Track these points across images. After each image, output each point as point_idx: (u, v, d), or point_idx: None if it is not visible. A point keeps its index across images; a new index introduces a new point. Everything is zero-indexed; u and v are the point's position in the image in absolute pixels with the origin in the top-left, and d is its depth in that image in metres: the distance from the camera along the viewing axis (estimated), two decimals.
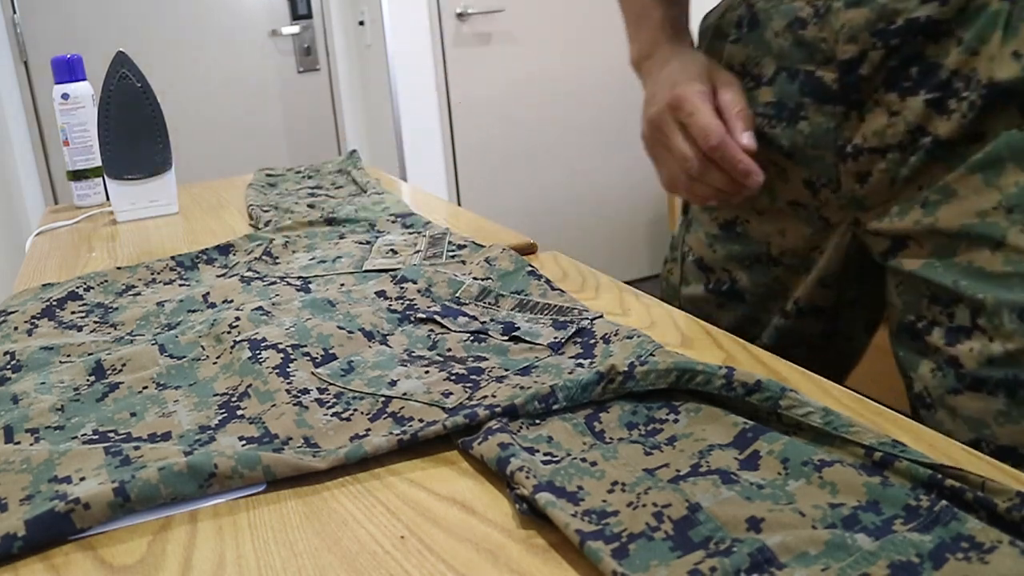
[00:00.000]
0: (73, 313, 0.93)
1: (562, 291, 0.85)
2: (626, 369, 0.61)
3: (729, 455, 0.54)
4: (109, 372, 0.76)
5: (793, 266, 0.97)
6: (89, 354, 0.81)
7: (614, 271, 3.76)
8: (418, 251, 1.02)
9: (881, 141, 0.81)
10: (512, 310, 0.82)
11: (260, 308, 0.85)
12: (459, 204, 3.59)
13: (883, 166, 0.82)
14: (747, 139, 0.84)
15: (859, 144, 0.83)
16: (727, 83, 0.87)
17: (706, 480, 0.51)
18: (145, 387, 0.73)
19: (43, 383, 0.74)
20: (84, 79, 1.61)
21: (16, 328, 0.88)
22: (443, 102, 3.53)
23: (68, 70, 1.59)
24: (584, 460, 0.54)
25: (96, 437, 0.64)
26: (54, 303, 0.94)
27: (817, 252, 0.94)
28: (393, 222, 1.18)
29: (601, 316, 0.77)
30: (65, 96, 1.59)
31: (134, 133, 1.43)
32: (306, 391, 0.68)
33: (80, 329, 0.89)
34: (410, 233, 1.11)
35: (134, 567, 0.51)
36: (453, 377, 0.69)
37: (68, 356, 0.81)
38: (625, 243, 3.93)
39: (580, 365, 0.69)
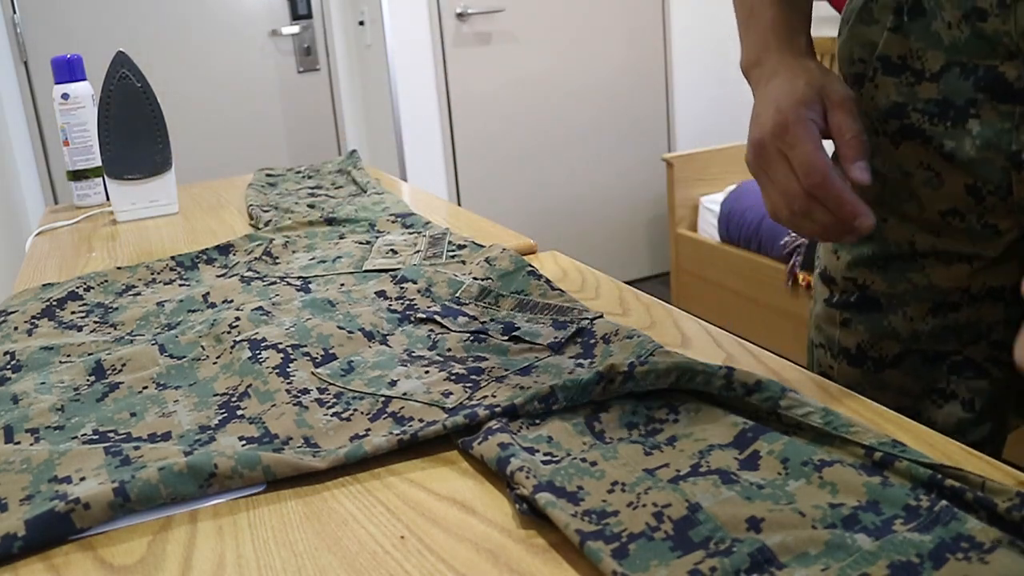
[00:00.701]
0: (73, 313, 0.93)
1: (562, 291, 0.85)
2: (626, 369, 0.61)
3: (729, 455, 0.54)
4: (109, 372, 0.76)
5: (950, 260, 0.82)
6: (89, 354, 0.81)
7: (614, 271, 3.76)
8: (418, 251, 1.02)
9: None
10: (512, 310, 0.82)
11: (260, 308, 0.85)
12: (459, 204, 3.59)
13: None
14: (858, 172, 0.73)
15: None
16: (840, 102, 0.76)
17: (706, 480, 0.51)
18: (145, 387, 0.73)
19: (43, 383, 0.74)
20: (84, 79, 1.61)
21: (16, 328, 0.88)
22: (443, 102, 3.53)
23: (68, 70, 1.59)
24: (584, 460, 0.54)
25: (96, 437, 0.64)
26: (54, 303, 0.94)
27: (980, 257, 0.82)
28: (393, 222, 1.18)
29: (601, 316, 0.77)
30: (65, 96, 1.59)
31: (134, 133, 1.43)
32: (306, 391, 0.68)
33: (80, 329, 0.89)
34: (410, 233, 1.11)
35: (134, 567, 0.51)
36: (453, 377, 0.69)
37: (68, 356, 0.81)
38: (625, 243, 3.93)
39: (580, 365, 0.69)
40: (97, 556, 0.52)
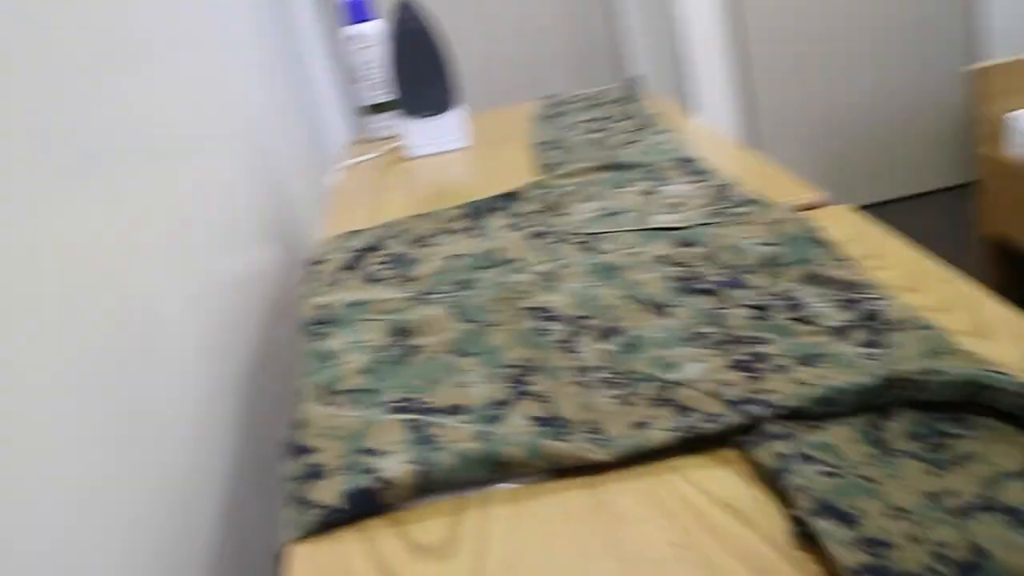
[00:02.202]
0: (374, 265, 1.01)
1: (851, 262, 0.81)
2: (917, 379, 0.58)
3: None
4: (409, 334, 0.82)
5: None
6: (389, 312, 0.88)
7: (909, 184, 3.49)
8: (700, 206, 1.01)
9: None
10: (797, 282, 0.80)
11: (546, 272, 0.88)
12: (748, 134, 3.47)
13: None
14: None
15: None
16: None
17: (995, 519, 0.48)
18: (441, 352, 0.78)
19: (354, 341, 0.81)
20: (374, 18, 1.71)
21: (325, 280, 0.97)
22: (735, 14, 3.39)
23: (358, 10, 1.69)
24: (863, 477, 0.53)
25: (400, 405, 0.70)
26: (357, 253, 1.02)
27: None
28: (674, 168, 1.17)
29: (892, 296, 0.74)
30: (356, 35, 1.70)
31: (423, 70, 1.50)
32: (590, 369, 0.70)
33: (380, 282, 0.96)
34: (692, 182, 1.10)
35: (438, 547, 0.56)
36: (734, 364, 0.68)
37: (372, 314, 0.88)
38: (920, 153, 3.65)
39: (869, 356, 0.66)
40: (401, 531, 0.58)
